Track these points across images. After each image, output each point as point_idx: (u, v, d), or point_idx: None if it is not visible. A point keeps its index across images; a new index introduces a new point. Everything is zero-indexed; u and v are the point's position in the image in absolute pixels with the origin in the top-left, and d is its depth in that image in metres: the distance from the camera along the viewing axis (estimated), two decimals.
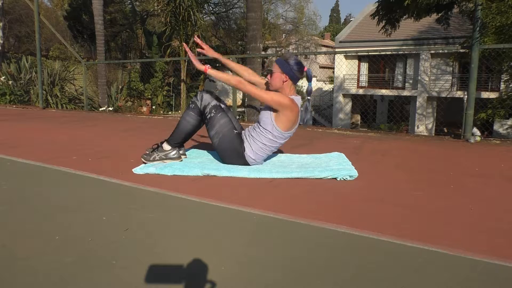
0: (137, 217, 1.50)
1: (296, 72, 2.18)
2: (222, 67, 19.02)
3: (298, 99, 2.21)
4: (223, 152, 2.28)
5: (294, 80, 2.20)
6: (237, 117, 2.45)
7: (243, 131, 2.33)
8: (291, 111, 2.14)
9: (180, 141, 2.36)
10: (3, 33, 13.47)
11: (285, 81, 2.18)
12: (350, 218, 1.48)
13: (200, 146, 2.94)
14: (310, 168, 2.19)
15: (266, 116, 2.19)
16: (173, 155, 2.34)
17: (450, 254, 1.19)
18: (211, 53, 2.46)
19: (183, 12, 10.26)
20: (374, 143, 3.40)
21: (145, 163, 2.34)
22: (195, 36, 2.49)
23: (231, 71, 2.60)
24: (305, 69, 2.22)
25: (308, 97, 2.24)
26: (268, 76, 2.25)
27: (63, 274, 1.06)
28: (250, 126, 2.34)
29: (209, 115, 2.25)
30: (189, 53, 2.23)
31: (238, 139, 2.24)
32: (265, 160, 2.41)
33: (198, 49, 2.41)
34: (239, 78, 2.19)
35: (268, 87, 2.30)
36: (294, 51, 26.92)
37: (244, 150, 2.23)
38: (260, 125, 2.23)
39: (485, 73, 13.33)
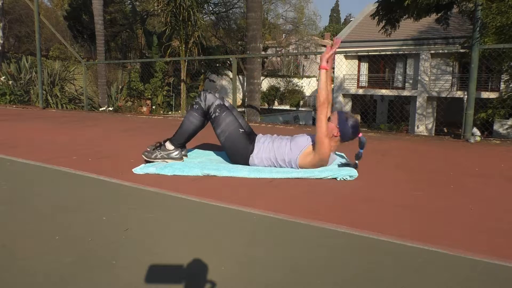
0: (137, 217, 1.50)
1: (349, 134, 2.13)
2: (221, 67, 19.01)
3: (332, 156, 2.20)
4: (229, 150, 2.30)
5: (343, 139, 2.15)
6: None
7: (262, 135, 2.32)
8: (320, 160, 2.11)
9: (183, 141, 2.36)
10: (3, 33, 13.47)
11: (336, 136, 2.14)
12: (350, 218, 1.48)
13: (200, 146, 2.94)
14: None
15: (302, 143, 2.17)
16: (175, 155, 2.34)
17: (450, 254, 1.19)
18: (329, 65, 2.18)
19: (184, 12, 10.26)
20: (374, 143, 3.40)
21: (146, 160, 2.34)
22: (336, 41, 2.18)
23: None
24: (360, 135, 2.16)
25: (356, 161, 2.17)
26: (329, 120, 2.16)
27: (63, 274, 1.06)
28: (279, 136, 2.32)
29: (213, 115, 2.26)
30: (331, 50, 2.10)
31: (245, 138, 2.25)
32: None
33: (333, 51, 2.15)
34: (327, 101, 2.08)
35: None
36: (294, 51, 26.94)
37: (252, 152, 2.23)
38: (290, 143, 2.19)
39: (485, 73, 13.33)
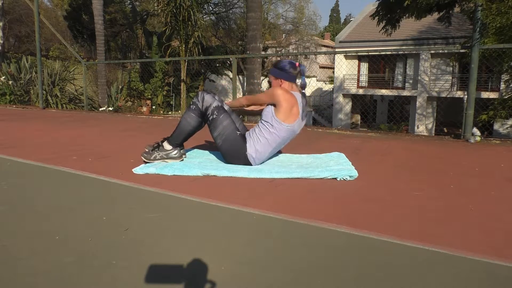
0: (137, 217, 1.50)
1: (288, 71, 2.28)
2: (221, 67, 19.01)
3: (297, 94, 2.26)
4: (226, 153, 2.28)
5: (290, 79, 2.31)
6: (239, 116, 2.51)
7: (247, 132, 2.34)
8: (285, 99, 2.19)
9: (181, 141, 2.36)
10: (3, 33, 13.47)
11: (282, 84, 2.31)
12: (350, 218, 1.48)
13: (200, 146, 2.94)
14: (310, 168, 2.19)
15: (267, 110, 2.26)
16: (174, 154, 2.34)
17: (450, 254, 1.19)
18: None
19: (184, 12, 10.26)
20: (374, 143, 3.40)
21: (145, 162, 2.34)
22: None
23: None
24: (297, 64, 2.31)
25: (303, 91, 2.33)
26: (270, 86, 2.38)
27: (63, 274, 1.06)
28: (255, 126, 2.37)
29: (211, 117, 2.26)
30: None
31: (241, 140, 2.24)
32: (266, 160, 2.41)
33: None
34: (244, 97, 2.42)
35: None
36: (294, 51, 26.93)
37: (247, 150, 2.24)
38: (262, 119, 2.28)
39: (485, 73, 13.33)
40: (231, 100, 2.66)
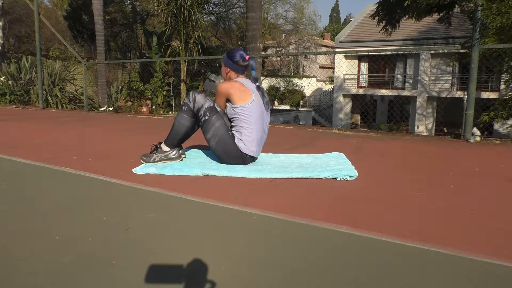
0: (137, 217, 1.50)
1: (236, 62, 2.34)
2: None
3: (243, 80, 2.34)
4: (222, 154, 2.28)
5: (237, 70, 2.37)
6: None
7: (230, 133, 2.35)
8: (231, 87, 2.27)
9: (177, 142, 2.36)
10: (3, 33, 13.47)
11: (228, 72, 2.38)
12: (350, 218, 1.48)
13: (200, 146, 2.94)
14: (310, 168, 2.19)
15: (228, 108, 2.33)
16: (173, 155, 2.34)
17: (450, 254, 1.19)
18: None
19: (184, 12, 10.26)
20: (374, 143, 3.40)
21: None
22: None
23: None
24: (247, 57, 2.36)
25: (257, 83, 2.38)
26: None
27: (63, 274, 1.06)
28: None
29: (203, 118, 2.25)
30: None
31: (233, 140, 2.24)
32: (266, 159, 2.41)
33: None
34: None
35: None
36: (294, 51, 26.92)
37: (238, 146, 2.26)
38: (230, 118, 2.34)
39: (485, 73, 13.33)
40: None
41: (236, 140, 2.26)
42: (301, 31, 26.24)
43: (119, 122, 5.10)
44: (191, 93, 2.32)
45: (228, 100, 2.30)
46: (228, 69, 2.38)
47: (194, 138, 2.45)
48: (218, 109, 2.31)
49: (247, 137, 2.25)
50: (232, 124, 2.33)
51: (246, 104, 2.24)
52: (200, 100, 2.27)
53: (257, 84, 2.38)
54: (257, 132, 2.28)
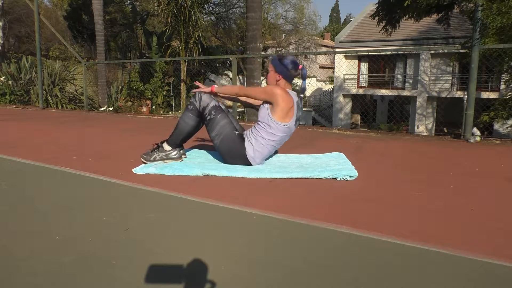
0: (137, 217, 1.50)
1: (290, 70, 2.24)
2: (221, 67, 19.01)
3: (292, 93, 2.24)
4: (225, 153, 2.28)
5: (288, 78, 2.27)
6: (237, 117, 2.47)
7: (244, 132, 2.34)
8: (283, 100, 2.16)
9: (180, 142, 2.36)
10: (3, 33, 13.46)
11: (278, 80, 2.26)
12: (350, 218, 1.48)
13: (200, 146, 2.94)
14: (310, 168, 2.19)
15: (263, 111, 2.24)
16: (174, 155, 2.34)
17: (450, 254, 1.19)
18: (206, 89, 2.41)
19: (185, 12, 10.26)
20: (374, 143, 3.40)
21: (144, 163, 2.34)
22: (196, 84, 2.46)
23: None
24: (300, 67, 2.27)
25: (301, 95, 2.29)
26: (266, 75, 2.33)
27: (63, 274, 1.06)
28: (252, 126, 2.36)
29: (209, 117, 2.25)
30: (200, 86, 2.36)
31: (239, 140, 2.24)
32: (265, 160, 2.41)
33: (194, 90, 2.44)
34: (239, 85, 2.33)
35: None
36: (294, 51, 26.91)
37: (245, 149, 2.23)
38: (259, 121, 2.26)
39: (485, 73, 13.33)
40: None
41: (246, 143, 2.24)
42: (301, 31, 26.23)
43: (119, 122, 5.10)
44: (197, 93, 2.32)
45: (269, 103, 2.20)
46: (280, 76, 2.25)
47: (194, 138, 2.45)
48: (223, 108, 2.32)
49: (259, 150, 2.24)
50: (257, 127, 2.26)
51: (284, 124, 2.20)
52: (206, 99, 2.28)
53: (301, 96, 2.29)
54: (270, 149, 2.28)
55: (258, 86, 2.30)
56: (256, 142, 2.23)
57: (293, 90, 2.30)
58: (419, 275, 1.07)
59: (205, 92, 2.32)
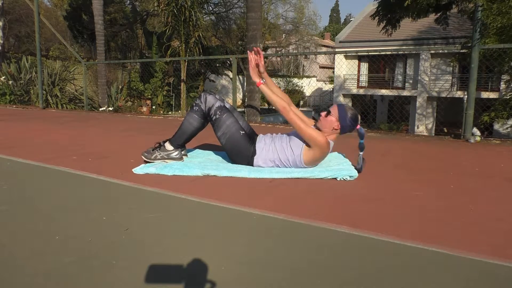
0: (137, 217, 1.50)
1: (349, 127, 2.17)
2: (221, 67, 18.99)
3: (332, 144, 2.19)
4: (231, 152, 2.28)
5: (343, 132, 2.19)
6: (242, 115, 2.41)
7: (262, 135, 2.31)
8: (321, 152, 2.11)
9: (182, 142, 2.36)
10: (3, 33, 13.46)
11: (336, 129, 2.17)
12: (350, 218, 1.48)
13: (201, 146, 2.94)
14: (310, 168, 2.19)
15: (298, 142, 2.16)
16: (175, 155, 2.34)
17: (450, 254, 1.19)
18: (262, 70, 2.30)
19: (185, 12, 10.27)
20: (374, 143, 3.40)
21: (145, 161, 2.34)
22: (255, 49, 2.25)
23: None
24: (358, 127, 2.20)
25: (360, 153, 2.22)
26: (323, 114, 2.19)
27: (63, 274, 1.06)
28: (278, 134, 2.31)
29: (214, 117, 2.25)
30: (252, 63, 2.21)
31: (246, 139, 2.23)
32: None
33: (254, 61, 2.25)
34: (285, 104, 2.12)
35: (316, 124, 2.25)
36: (294, 51, 26.92)
37: (255, 154, 2.21)
38: (289, 142, 2.19)
39: (485, 73, 13.33)
40: (231, 100, 2.46)
41: (260, 150, 2.20)
42: (301, 31, 26.25)
43: (119, 122, 5.10)
44: (202, 94, 2.31)
45: (307, 145, 2.11)
46: (338, 127, 2.15)
47: (194, 138, 2.44)
48: (228, 107, 2.31)
49: (269, 163, 2.22)
50: (282, 145, 2.18)
51: (305, 164, 2.16)
52: (211, 100, 2.27)
53: (361, 153, 2.21)
54: (278, 166, 2.24)
55: (309, 127, 2.14)
56: (270, 155, 2.19)
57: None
58: (419, 275, 1.07)
59: (209, 93, 2.30)
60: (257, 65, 2.29)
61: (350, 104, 19.28)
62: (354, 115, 2.19)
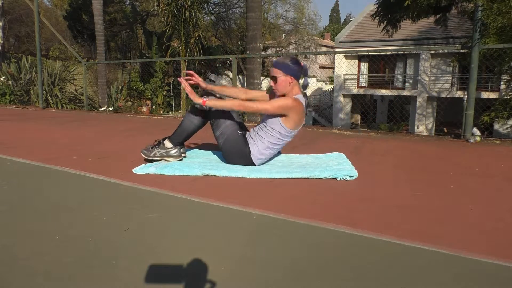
0: (137, 217, 1.50)
1: (298, 70, 2.20)
2: (221, 67, 18.98)
3: (301, 97, 2.21)
4: (228, 153, 2.28)
5: (298, 78, 2.22)
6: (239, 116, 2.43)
7: (248, 132, 2.33)
8: (296, 111, 2.14)
9: (182, 140, 2.37)
10: (3, 33, 13.47)
11: (291, 83, 2.18)
12: (350, 218, 1.48)
13: (200, 146, 2.94)
14: (310, 168, 2.19)
15: (274, 118, 2.19)
16: (174, 153, 2.34)
17: (450, 254, 1.19)
18: (204, 86, 2.36)
19: (185, 12, 10.27)
20: (374, 143, 3.40)
21: (145, 159, 2.34)
22: (187, 72, 2.36)
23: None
24: (302, 64, 2.24)
25: (305, 91, 2.27)
26: (272, 83, 2.22)
27: (63, 274, 1.06)
28: (256, 126, 2.34)
29: (213, 117, 2.26)
30: (187, 87, 2.22)
31: (243, 140, 2.24)
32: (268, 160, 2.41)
33: (189, 81, 2.34)
34: (239, 101, 2.17)
35: (271, 94, 2.31)
36: (294, 51, 26.90)
37: (250, 151, 2.23)
38: (267, 125, 2.22)
39: (485, 73, 13.33)
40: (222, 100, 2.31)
41: (251, 145, 2.22)
42: (301, 31, 26.23)
43: (119, 122, 5.10)
44: (204, 93, 2.33)
45: (281, 116, 2.14)
46: (292, 78, 2.15)
47: (195, 138, 2.44)
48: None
49: (266, 153, 2.24)
50: (265, 130, 2.21)
51: (295, 130, 2.20)
52: (212, 99, 2.28)
53: (305, 91, 2.26)
54: (276, 152, 2.29)
55: (271, 101, 2.17)
56: (263, 145, 2.22)
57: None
58: (419, 275, 1.07)
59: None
60: (198, 84, 2.34)
61: (350, 104, 19.29)
62: (292, 59, 2.21)
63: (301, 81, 2.29)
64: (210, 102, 2.16)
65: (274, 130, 2.19)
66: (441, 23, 8.51)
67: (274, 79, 2.19)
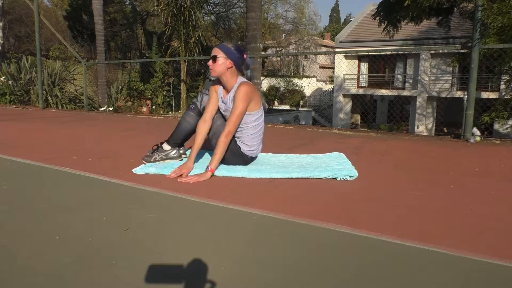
0: (137, 217, 1.50)
1: (239, 58, 2.20)
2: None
3: (244, 79, 2.24)
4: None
5: (238, 66, 2.22)
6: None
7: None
8: (255, 91, 2.17)
9: (180, 141, 2.37)
10: (3, 33, 13.47)
11: (230, 67, 2.17)
12: (350, 218, 1.48)
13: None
14: (310, 168, 2.19)
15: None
16: (173, 154, 2.35)
17: (450, 254, 1.19)
18: (189, 163, 2.15)
19: (185, 12, 10.28)
20: (374, 143, 3.40)
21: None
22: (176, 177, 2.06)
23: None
24: (245, 56, 2.25)
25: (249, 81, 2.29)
26: (210, 62, 2.19)
27: (63, 274, 1.06)
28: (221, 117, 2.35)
29: None
30: (193, 179, 2.01)
31: (233, 140, 2.25)
32: (265, 158, 2.41)
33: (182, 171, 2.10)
34: (222, 141, 2.10)
35: (214, 81, 2.33)
36: (294, 51, 26.92)
37: (240, 148, 2.25)
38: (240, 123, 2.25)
39: (485, 73, 13.33)
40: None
41: (238, 143, 2.25)
42: (301, 31, 26.25)
43: (119, 122, 5.10)
44: (199, 94, 2.36)
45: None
46: (231, 63, 2.17)
47: (193, 138, 2.44)
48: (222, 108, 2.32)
49: (253, 143, 2.26)
50: (239, 130, 2.22)
51: (260, 110, 2.23)
52: (207, 99, 2.30)
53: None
54: (260, 137, 2.30)
55: (234, 111, 2.12)
56: (246, 139, 2.25)
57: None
58: (419, 275, 1.07)
59: (206, 94, 2.32)
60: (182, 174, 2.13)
61: (350, 104, 19.29)
62: (237, 46, 2.22)
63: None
64: (214, 165, 2.08)
65: (246, 122, 2.21)
66: (443, 25, 8.50)
67: (214, 58, 2.18)
